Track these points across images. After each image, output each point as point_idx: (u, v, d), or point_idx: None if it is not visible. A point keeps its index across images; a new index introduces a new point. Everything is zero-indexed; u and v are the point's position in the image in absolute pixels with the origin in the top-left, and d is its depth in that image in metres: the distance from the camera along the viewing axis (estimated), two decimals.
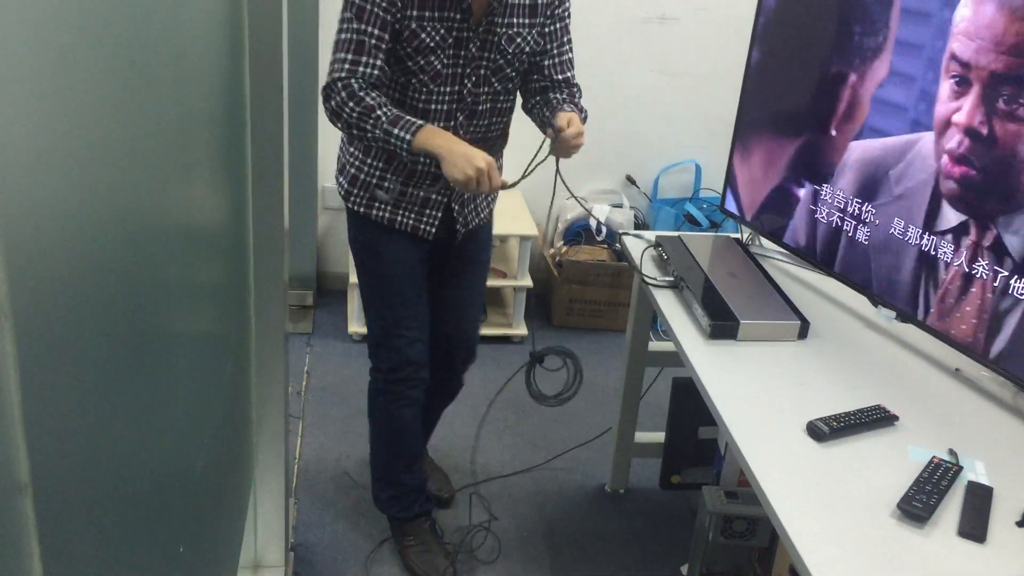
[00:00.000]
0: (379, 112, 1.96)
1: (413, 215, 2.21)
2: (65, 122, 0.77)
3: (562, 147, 2.04)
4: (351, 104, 1.98)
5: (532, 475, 2.88)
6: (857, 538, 1.49)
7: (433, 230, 2.22)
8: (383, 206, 2.20)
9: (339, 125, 2.04)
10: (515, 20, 2.07)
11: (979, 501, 1.57)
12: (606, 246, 3.76)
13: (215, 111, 1.54)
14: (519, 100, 2.27)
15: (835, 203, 2.17)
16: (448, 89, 2.07)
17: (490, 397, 3.26)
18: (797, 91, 2.29)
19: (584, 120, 2.15)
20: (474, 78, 2.08)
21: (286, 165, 1.94)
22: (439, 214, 2.21)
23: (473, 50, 2.04)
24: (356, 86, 1.98)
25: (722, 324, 2.04)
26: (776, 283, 2.24)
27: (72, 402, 0.80)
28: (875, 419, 1.77)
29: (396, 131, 1.96)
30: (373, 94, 1.98)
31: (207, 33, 1.45)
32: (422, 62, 2.02)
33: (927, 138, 1.94)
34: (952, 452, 1.71)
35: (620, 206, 3.87)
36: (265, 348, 2.05)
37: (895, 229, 2.03)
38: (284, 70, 1.86)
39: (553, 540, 2.63)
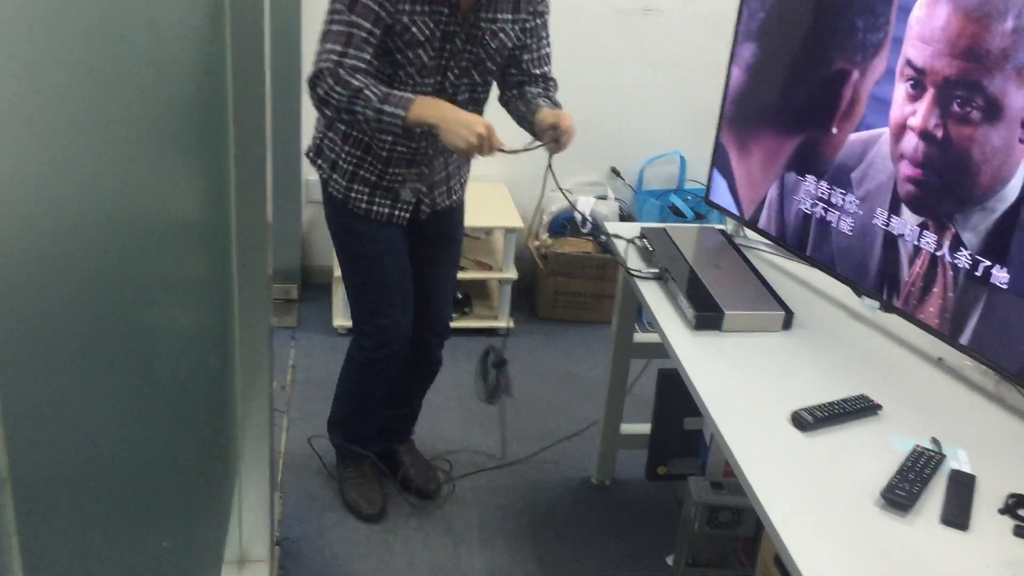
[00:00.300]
0: (367, 92, 1.98)
1: (388, 203, 2.25)
2: (43, 115, 0.76)
3: (560, 142, 2.07)
4: (338, 89, 1.99)
5: (519, 468, 2.88)
6: (841, 527, 1.50)
7: (408, 215, 2.28)
8: (359, 196, 2.23)
9: (328, 112, 2.05)
10: (499, 15, 2.10)
11: (962, 489, 1.58)
12: (591, 238, 3.76)
13: (196, 103, 1.52)
14: (495, 91, 2.29)
15: (819, 194, 2.18)
16: (430, 80, 2.10)
17: (472, 389, 3.25)
18: (795, 89, 2.27)
19: None
20: (456, 70, 2.11)
21: (269, 158, 1.93)
22: (414, 199, 2.26)
23: (458, 43, 2.07)
24: (342, 72, 1.99)
25: (707, 315, 2.04)
26: (760, 274, 2.25)
27: (52, 396, 0.80)
28: (859, 409, 1.78)
29: (388, 108, 1.97)
30: (359, 76, 2.00)
31: (187, 24, 1.43)
32: (411, 55, 2.05)
33: (885, 140, 1.96)
34: (935, 441, 1.72)
35: (605, 198, 3.87)
36: (249, 342, 2.04)
37: (865, 224, 2.05)
38: (266, 62, 1.85)
39: (540, 532, 2.63)
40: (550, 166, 2.12)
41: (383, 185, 2.23)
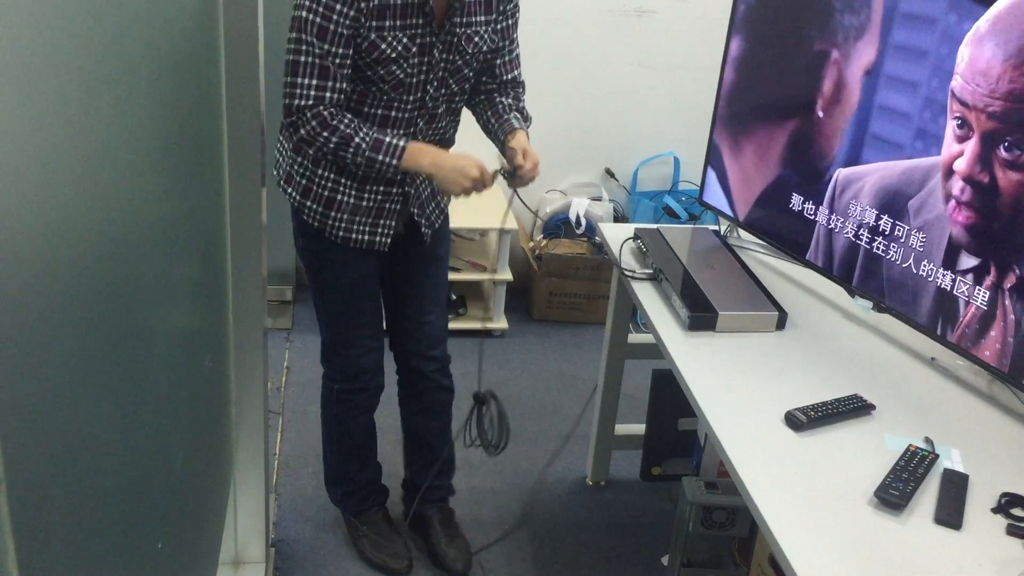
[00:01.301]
0: (358, 139, 1.93)
1: (367, 230, 2.14)
2: (38, 116, 0.76)
3: (519, 181, 2.06)
4: (325, 134, 1.92)
5: (513, 468, 2.88)
6: (835, 526, 1.50)
7: (388, 241, 2.16)
8: (337, 224, 2.12)
9: (310, 152, 1.99)
10: (473, 19, 2.02)
11: (955, 488, 1.59)
12: (586, 239, 3.76)
13: (190, 104, 1.53)
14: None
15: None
16: (411, 97, 2.01)
17: (471, 390, 3.25)
18: (781, 77, 2.28)
19: (528, 125, 2.17)
20: (435, 83, 2.02)
21: (263, 160, 1.93)
22: (393, 223, 2.15)
23: (436, 55, 1.99)
24: (327, 114, 1.92)
25: (701, 316, 2.04)
26: (754, 274, 2.25)
27: (47, 398, 0.80)
28: (852, 408, 1.78)
29: (380, 157, 1.94)
30: (346, 120, 1.94)
31: (183, 28, 1.43)
32: (382, 72, 1.95)
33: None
34: (928, 440, 1.72)
35: (599, 199, 3.87)
36: (244, 344, 2.04)
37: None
38: (260, 64, 1.85)
39: (534, 532, 2.63)
40: (516, 195, 2.13)
41: (363, 207, 2.11)
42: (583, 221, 3.75)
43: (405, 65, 1.96)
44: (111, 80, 1.00)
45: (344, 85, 1.93)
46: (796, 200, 2.23)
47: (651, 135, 3.88)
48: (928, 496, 1.58)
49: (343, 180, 2.09)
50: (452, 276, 3.56)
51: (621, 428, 2.81)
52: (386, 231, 2.15)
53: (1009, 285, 1.75)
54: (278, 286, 3.70)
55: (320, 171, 2.09)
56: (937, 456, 1.67)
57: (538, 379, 3.37)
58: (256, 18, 1.80)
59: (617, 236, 2.47)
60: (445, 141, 2.16)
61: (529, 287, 3.83)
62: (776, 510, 1.52)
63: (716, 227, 2.55)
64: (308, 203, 2.12)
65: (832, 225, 2.14)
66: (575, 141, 3.83)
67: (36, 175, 0.76)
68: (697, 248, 2.40)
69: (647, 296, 2.20)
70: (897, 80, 1.96)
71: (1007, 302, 1.76)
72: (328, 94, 1.92)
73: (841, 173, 2.10)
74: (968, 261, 1.84)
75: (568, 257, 3.68)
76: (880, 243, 2.03)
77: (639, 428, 2.78)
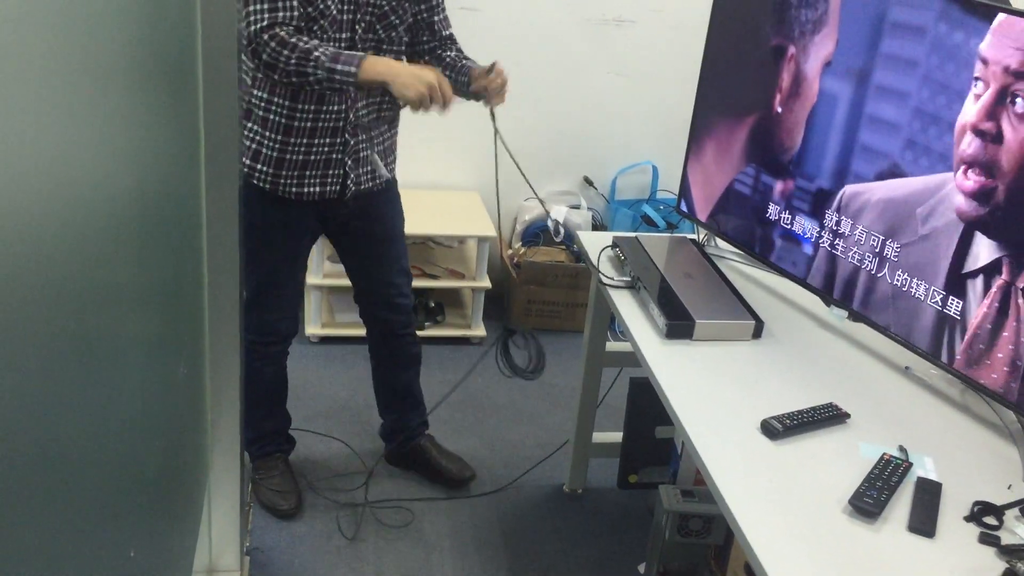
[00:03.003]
0: (316, 53, 2.04)
1: (318, 181, 2.30)
2: (5, 112, 0.75)
3: (495, 93, 2.19)
4: (285, 52, 2.03)
5: (491, 476, 2.88)
6: (810, 534, 1.51)
7: (338, 188, 2.32)
8: (288, 181, 2.26)
9: (275, 76, 2.09)
10: None
11: (928, 497, 1.60)
12: (564, 247, 3.77)
13: (166, 99, 1.52)
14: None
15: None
16: (343, 35, 2.16)
17: (450, 398, 3.25)
18: (741, 76, 2.32)
19: None
20: (364, 24, 2.17)
21: (241, 160, 1.92)
22: (341, 172, 2.31)
23: None
24: (284, 33, 2.04)
25: (678, 324, 2.05)
26: (731, 283, 2.27)
27: (15, 401, 0.79)
28: (827, 417, 1.79)
29: (339, 67, 2.04)
30: (304, 38, 2.06)
31: (159, 26, 1.42)
32: (321, 7, 2.10)
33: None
34: (902, 449, 1.74)
35: (578, 207, 3.88)
36: (220, 350, 2.02)
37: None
38: (237, 65, 1.84)
39: (512, 541, 2.63)
40: (492, 118, 2.20)
41: (311, 161, 2.26)
42: (561, 229, 3.76)
43: (337, 0, 2.11)
44: (85, 73, 0.99)
45: (296, 3, 2.06)
46: (773, 210, 2.25)
47: (629, 144, 3.90)
48: (902, 504, 1.59)
49: (291, 140, 2.23)
50: (431, 283, 3.56)
51: (598, 436, 2.81)
52: (335, 180, 2.31)
53: (1023, 284, 1.69)
54: None
55: (268, 133, 2.23)
56: (911, 464, 1.68)
57: (516, 387, 3.37)
58: (234, 23, 1.79)
59: (595, 244, 2.48)
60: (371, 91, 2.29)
61: (507, 295, 3.83)
62: (752, 518, 1.53)
63: (694, 235, 2.56)
64: (259, 166, 2.27)
65: (811, 236, 2.16)
66: (554, 149, 3.84)
67: (4, 167, 0.75)
68: (675, 256, 2.41)
69: (625, 304, 2.21)
70: (847, 55, 1.98)
71: (1020, 301, 1.69)
72: (281, 14, 2.05)
73: (847, 190, 2.05)
74: (980, 257, 1.75)
75: (546, 265, 3.68)
76: (870, 258, 2.04)
77: (616, 436, 2.78)
